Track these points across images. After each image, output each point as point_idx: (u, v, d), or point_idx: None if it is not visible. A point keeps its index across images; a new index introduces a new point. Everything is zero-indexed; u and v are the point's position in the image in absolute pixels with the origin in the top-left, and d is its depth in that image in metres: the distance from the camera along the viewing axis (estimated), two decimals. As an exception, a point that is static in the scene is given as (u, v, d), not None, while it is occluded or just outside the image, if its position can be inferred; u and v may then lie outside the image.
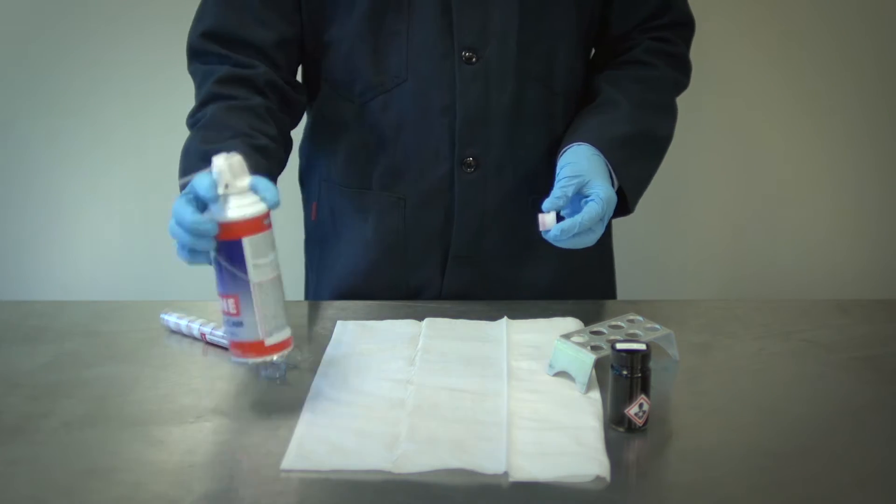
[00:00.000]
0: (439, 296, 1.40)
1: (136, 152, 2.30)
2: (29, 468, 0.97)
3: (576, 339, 1.14)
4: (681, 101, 1.46)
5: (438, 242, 1.39)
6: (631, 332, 1.17)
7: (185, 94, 2.22)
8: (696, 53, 1.47)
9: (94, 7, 2.20)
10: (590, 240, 1.22)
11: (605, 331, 1.17)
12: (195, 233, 1.00)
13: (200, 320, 1.25)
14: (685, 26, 1.45)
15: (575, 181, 1.23)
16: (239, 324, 1.03)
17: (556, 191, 1.22)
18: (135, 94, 2.26)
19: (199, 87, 1.33)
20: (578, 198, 1.24)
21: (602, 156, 1.29)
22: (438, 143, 1.33)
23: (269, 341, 1.04)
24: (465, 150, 1.33)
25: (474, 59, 1.30)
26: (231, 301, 1.02)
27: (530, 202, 1.35)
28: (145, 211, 2.27)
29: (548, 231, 1.21)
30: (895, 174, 2.36)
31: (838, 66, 2.27)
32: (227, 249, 1.01)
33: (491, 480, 0.94)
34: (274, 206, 1.03)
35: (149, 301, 1.41)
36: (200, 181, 1.00)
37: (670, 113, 1.42)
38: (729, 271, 2.42)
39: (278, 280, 1.04)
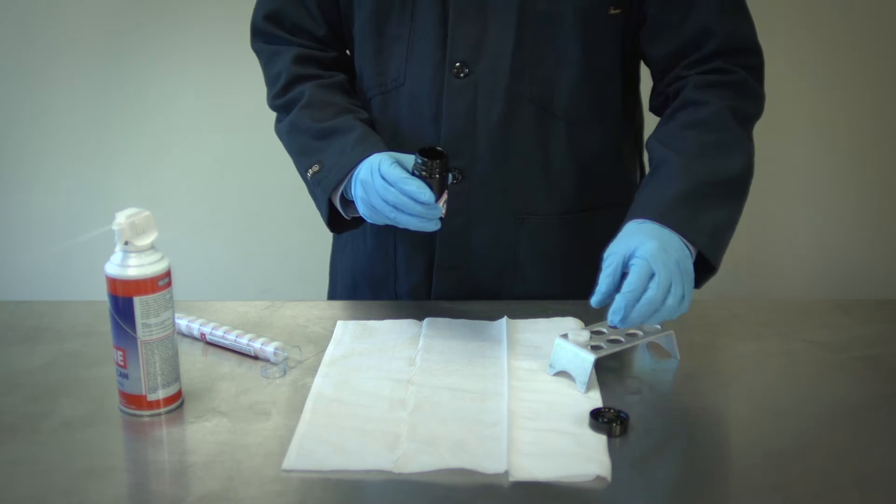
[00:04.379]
0: None
1: (137, 151, 2.30)
2: (29, 468, 0.97)
3: (576, 338, 1.14)
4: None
5: (424, 249, 1.39)
6: (631, 331, 1.17)
7: (185, 94, 2.24)
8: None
9: (93, 8, 2.20)
10: (670, 309, 1.09)
11: (605, 331, 1.17)
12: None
13: (200, 320, 1.25)
14: (742, 52, 1.30)
15: (612, 263, 1.12)
16: (125, 375, 1.06)
17: (600, 284, 1.11)
18: (135, 94, 2.26)
19: (269, 64, 1.41)
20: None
21: (659, 225, 1.16)
22: None
23: (151, 397, 1.06)
24: (451, 161, 1.31)
25: (464, 74, 1.30)
26: (120, 353, 1.05)
27: (518, 219, 1.36)
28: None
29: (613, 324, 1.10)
30: (894, 174, 2.36)
31: (837, 67, 2.27)
32: (119, 305, 1.03)
33: (492, 480, 0.94)
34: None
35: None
36: (415, 190, 1.14)
37: (737, 147, 1.26)
38: (729, 271, 2.42)
39: (169, 339, 1.06)
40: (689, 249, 1.16)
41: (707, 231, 1.19)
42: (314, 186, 1.30)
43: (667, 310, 1.09)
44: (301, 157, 1.32)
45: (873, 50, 2.26)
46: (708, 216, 1.19)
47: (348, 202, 1.28)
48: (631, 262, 1.10)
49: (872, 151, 2.34)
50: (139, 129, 2.28)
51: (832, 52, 2.25)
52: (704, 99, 1.27)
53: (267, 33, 1.41)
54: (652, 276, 1.09)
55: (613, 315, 1.08)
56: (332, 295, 1.57)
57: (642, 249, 1.10)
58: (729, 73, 1.29)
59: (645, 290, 1.08)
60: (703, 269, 1.20)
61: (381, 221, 1.20)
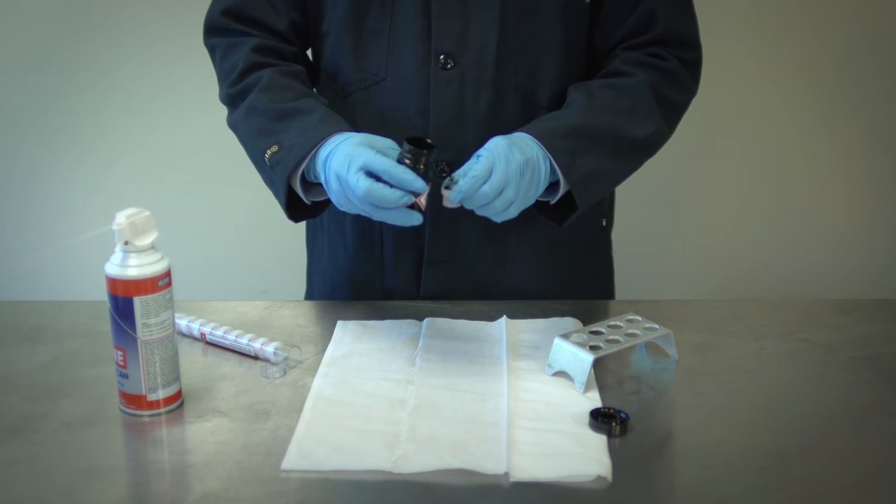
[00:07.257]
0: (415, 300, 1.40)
1: (137, 151, 2.30)
2: (29, 468, 0.97)
3: (575, 338, 1.14)
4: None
5: (413, 244, 1.38)
6: (630, 331, 1.17)
7: (185, 94, 2.24)
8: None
9: (93, 6, 2.20)
10: (494, 209, 1.17)
11: (604, 331, 1.17)
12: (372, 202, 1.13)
13: (200, 320, 1.25)
14: (681, 45, 1.34)
15: (481, 159, 1.17)
16: (125, 375, 1.06)
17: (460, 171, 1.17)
18: (135, 94, 2.26)
19: (226, 56, 1.35)
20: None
21: (537, 143, 1.22)
22: None
23: (151, 396, 1.06)
24: (439, 155, 1.31)
25: (450, 65, 1.30)
26: (120, 353, 1.05)
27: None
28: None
29: (450, 202, 1.17)
30: (894, 174, 2.36)
31: (840, 68, 2.27)
32: (119, 305, 1.03)
33: (492, 480, 0.94)
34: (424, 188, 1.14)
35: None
36: (409, 180, 1.12)
37: (647, 119, 1.30)
38: (729, 271, 2.42)
39: (169, 339, 1.06)
40: (547, 171, 1.21)
41: (581, 171, 1.23)
42: (271, 170, 1.25)
43: (492, 209, 1.17)
44: (258, 139, 1.27)
45: (872, 53, 2.26)
46: (589, 159, 1.24)
47: (309, 186, 1.25)
48: (479, 152, 1.18)
49: (873, 152, 2.34)
50: (140, 128, 2.28)
51: (833, 54, 2.25)
52: (630, 72, 1.31)
53: (223, 28, 1.37)
54: (491, 172, 1.16)
55: (455, 195, 1.16)
56: (309, 299, 1.54)
57: (492, 143, 1.18)
58: (662, 59, 1.32)
59: (485, 181, 1.15)
60: (569, 208, 1.26)
61: (355, 212, 1.18)
